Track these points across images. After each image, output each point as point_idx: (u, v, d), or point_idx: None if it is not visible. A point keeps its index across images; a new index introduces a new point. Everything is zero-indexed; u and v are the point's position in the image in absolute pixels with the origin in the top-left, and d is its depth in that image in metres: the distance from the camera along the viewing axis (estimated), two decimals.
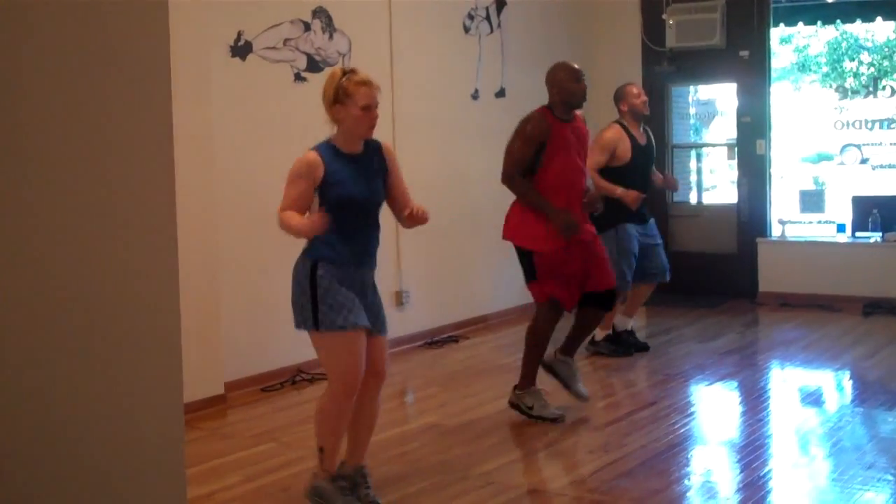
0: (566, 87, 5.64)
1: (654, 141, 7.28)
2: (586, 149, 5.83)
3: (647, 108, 7.14)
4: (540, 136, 5.51)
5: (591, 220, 6.68)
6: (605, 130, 7.00)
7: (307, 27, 6.87)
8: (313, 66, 6.88)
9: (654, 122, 7.57)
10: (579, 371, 5.90)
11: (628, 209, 6.86)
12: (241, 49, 6.43)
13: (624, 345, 7.18)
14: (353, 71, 4.18)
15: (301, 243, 4.20)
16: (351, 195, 4.10)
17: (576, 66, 5.75)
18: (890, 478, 4.64)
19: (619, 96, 7.11)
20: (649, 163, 7.19)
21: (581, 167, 5.74)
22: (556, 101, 5.68)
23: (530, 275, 5.65)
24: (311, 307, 4.09)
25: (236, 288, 6.30)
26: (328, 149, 4.16)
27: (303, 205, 4.10)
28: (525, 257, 5.65)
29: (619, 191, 6.81)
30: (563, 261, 5.54)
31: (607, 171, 6.89)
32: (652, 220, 7.22)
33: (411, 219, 4.27)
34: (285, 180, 4.16)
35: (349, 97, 4.10)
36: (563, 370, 5.80)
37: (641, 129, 7.11)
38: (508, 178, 5.59)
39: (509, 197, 5.77)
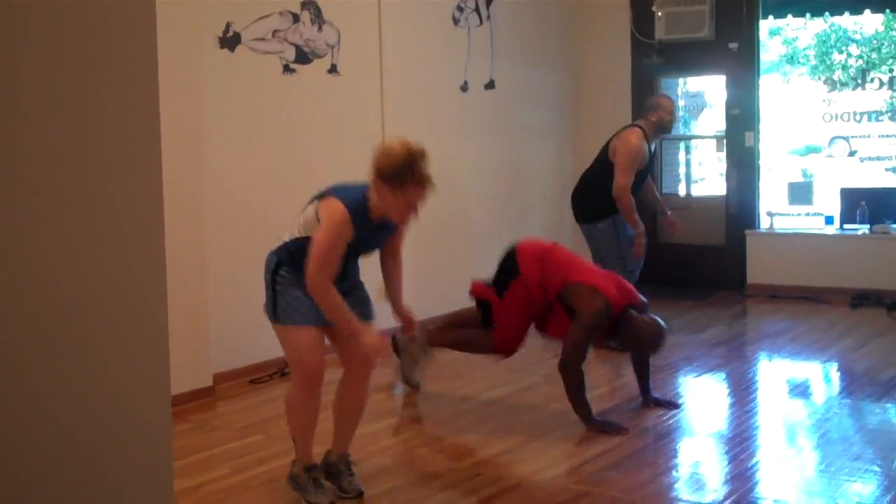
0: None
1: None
2: None
3: (673, 127, 7.23)
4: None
5: (586, 211, 6.72)
6: (630, 135, 6.95)
7: (296, 18, 6.85)
8: (302, 57, 6.85)
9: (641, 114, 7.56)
10: (428, 361, 6.04)
11: None
12: (229, 40, 6.41)
13: None
14: (421, 155, 3.95)
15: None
16: (357, 245, 4.09)
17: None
18: (877, 469, 4.66)
19: (653, 106, 7.07)
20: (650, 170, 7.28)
21: None
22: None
23: (488, 322, 5.77)
24: (272, 299, 4.14)
25: (224, 280, 6.28)
26: (359, 210, 4.01)
27: (339, 260, 4.03)
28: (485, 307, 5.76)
29: (640, 228, 6.90)
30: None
31: (609, 169, 6.90)
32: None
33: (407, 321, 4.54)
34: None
35: (402, 190, 3.93)
36: (411, 351, 5.97)
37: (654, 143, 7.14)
38: (570, 366, 5.34)
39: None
